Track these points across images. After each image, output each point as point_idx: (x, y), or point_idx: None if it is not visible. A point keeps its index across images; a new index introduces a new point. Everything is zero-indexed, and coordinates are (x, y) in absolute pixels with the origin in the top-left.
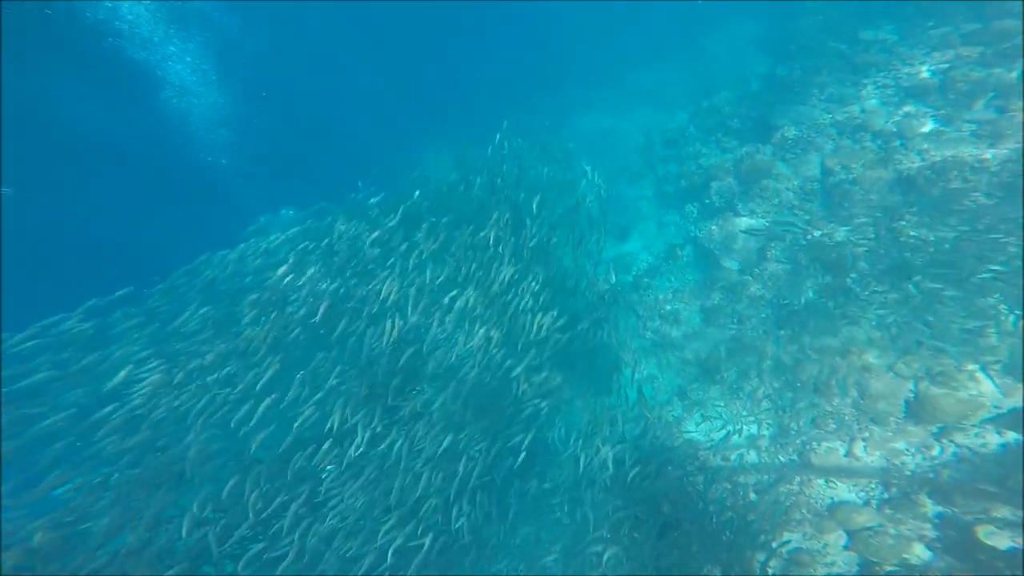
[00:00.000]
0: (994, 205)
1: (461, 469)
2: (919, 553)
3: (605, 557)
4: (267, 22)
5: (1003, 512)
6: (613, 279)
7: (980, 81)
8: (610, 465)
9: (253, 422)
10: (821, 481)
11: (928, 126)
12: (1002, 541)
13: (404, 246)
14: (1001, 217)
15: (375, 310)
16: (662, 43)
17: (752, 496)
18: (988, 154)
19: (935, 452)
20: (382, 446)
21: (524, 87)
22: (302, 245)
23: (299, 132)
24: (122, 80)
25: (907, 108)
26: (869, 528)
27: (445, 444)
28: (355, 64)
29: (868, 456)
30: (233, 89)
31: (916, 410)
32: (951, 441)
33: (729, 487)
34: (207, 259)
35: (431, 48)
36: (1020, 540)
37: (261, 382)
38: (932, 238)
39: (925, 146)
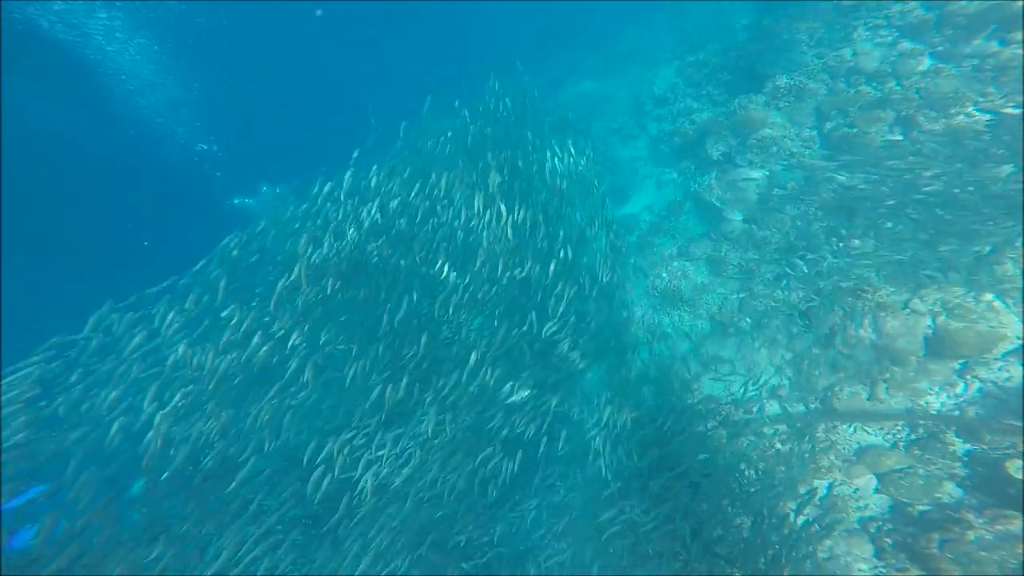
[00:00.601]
0: (997, 138)
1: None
2: (950, 491)
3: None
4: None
5: None
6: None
7: (980, 14)
8: (629, 425)
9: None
10: (846, 427)
11: (925, 63)
12: None
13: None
14: (1007, 148)
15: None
16: (646, 2)
17: (778, 446)
18: (991, 88)
19: (959, 389)
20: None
21: (511, 58)
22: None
23: (277, 115)
24: (77, 77)
25: (902, 47)
26: (898, 470)
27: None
28: (337, 44)
29: (891, 398)
30: (202, 74)
31: (936, 346)
32: (975, 377)
33: (754, 439)
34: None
35: (412, 27)
36: None
37: None
38: (939, 172)
39: (923, 84)
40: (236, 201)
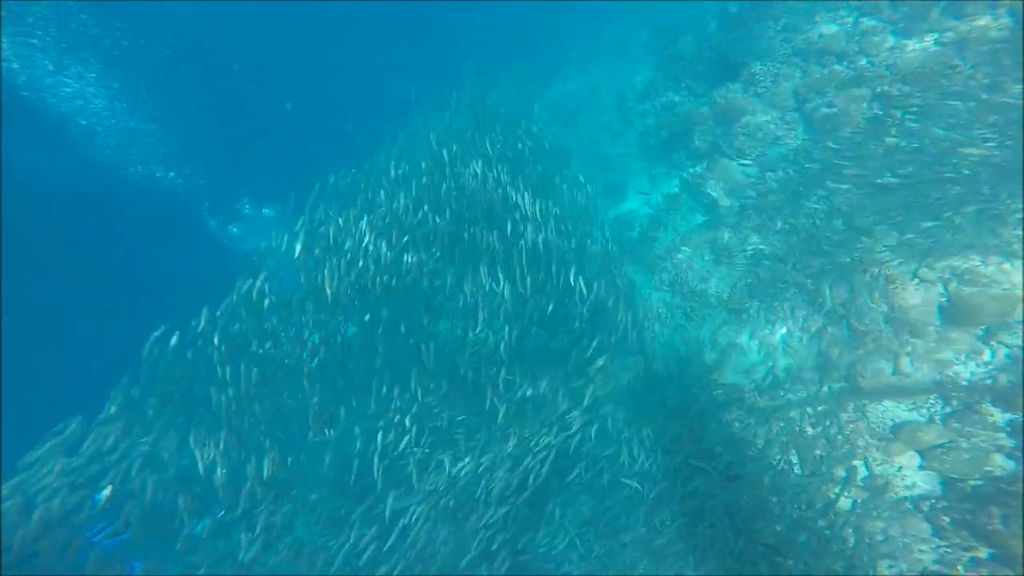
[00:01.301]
0: (974, 108)
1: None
2: (1001, 464)
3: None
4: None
5: None
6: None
7: None
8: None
9: None
10: (877, 404)
11: (889, 41)
12: None
13: None
14: (982, 119)
15: None
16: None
17: (808, 430)
18: (957, 60)
19: (986, 357)
20: None
21: (497, 58)
22: None
23: (251, 131)
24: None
25: (864, 26)
26: (940, 445)
27: None
28: (314, 50)
29: (917, 371)
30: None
31: (952, 314)
32: (1000, 343)
33: (783, 424)
34: None
35: (391, 38)
36: None
37: None
38: (927, 143)
39: (892, 60)
40: (221, 227)
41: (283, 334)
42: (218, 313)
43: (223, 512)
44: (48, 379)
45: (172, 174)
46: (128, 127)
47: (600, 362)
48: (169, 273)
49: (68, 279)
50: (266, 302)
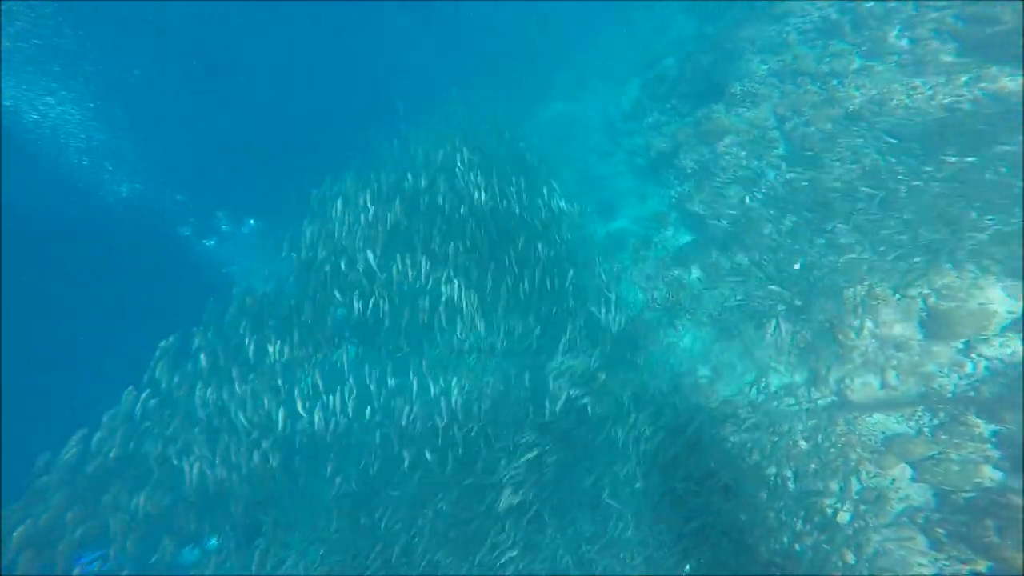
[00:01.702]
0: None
1: None
2: (990, 474)
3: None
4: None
5: None
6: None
7: (884, 14)
8: (655, 440)
9: None
10: (868, 417)
11: (856, 63)
12: None
13: None
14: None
15: None
16: (598, 23)
17: (802, 444)
18: (917, 81)
19: (968, 369)
20: None
21: (483, 83)
22: None
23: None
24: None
25: (832, 48)
26: (930, 457)
27: None
28: (292, 70)
29: (903, 384)
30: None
31: (933, 328)
32: (980, 355)
33: (777, 439)
34: None
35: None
36: None
37: None
38: (896, 164)
39: (860, 81)
40: (199, 242)
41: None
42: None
43: None
44: None
45: (139, 186)
46: (93, 137)
47: (602, 377)
48: (131, 295)
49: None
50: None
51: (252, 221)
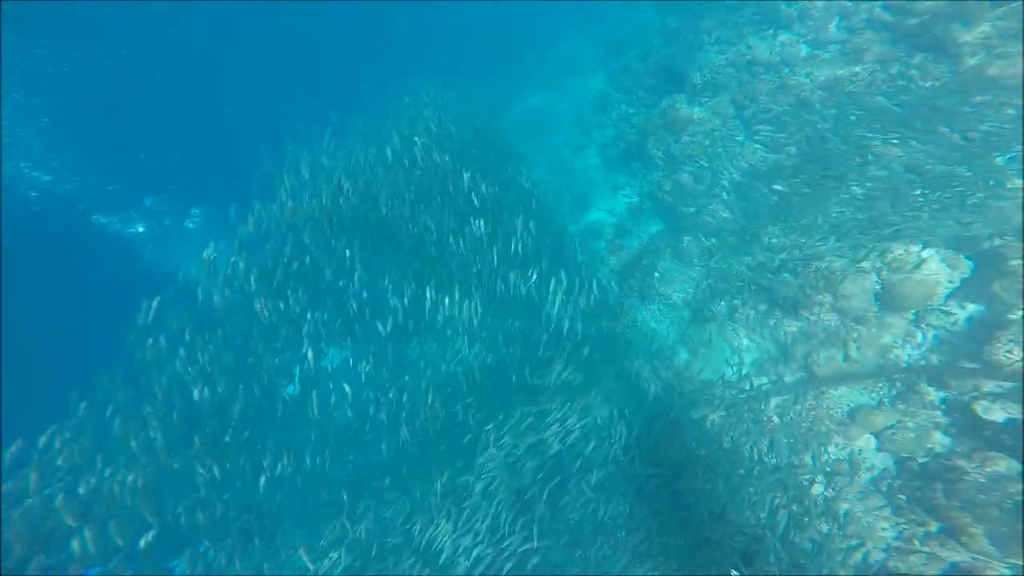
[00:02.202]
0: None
1: None
2: (939, 440)
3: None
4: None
5: (988, 386)
6: None
7: (826, 9)
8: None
9: None
10: (833, 390)
11: (803, 51)
12: (998, 414)
13: None
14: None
15: None
16: (569, 17)
17: (775, 419)
18: (857, 68)
19: (919, 339)
20: None
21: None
22: None
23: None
24: None
25: (781, 39)
26: (891, 426)
27: None
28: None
29: (863, 356)
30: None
31: (886, 300)
32: (928, 325)
33: (751, 415)
34: None
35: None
36: (1014, 411)
37: None
38: (846, 146)
39: (808, 69)
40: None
41: None
42: None
43: None
44: None
45: (48, 178)
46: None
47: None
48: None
49: None
50: None
51: (197, 211)
